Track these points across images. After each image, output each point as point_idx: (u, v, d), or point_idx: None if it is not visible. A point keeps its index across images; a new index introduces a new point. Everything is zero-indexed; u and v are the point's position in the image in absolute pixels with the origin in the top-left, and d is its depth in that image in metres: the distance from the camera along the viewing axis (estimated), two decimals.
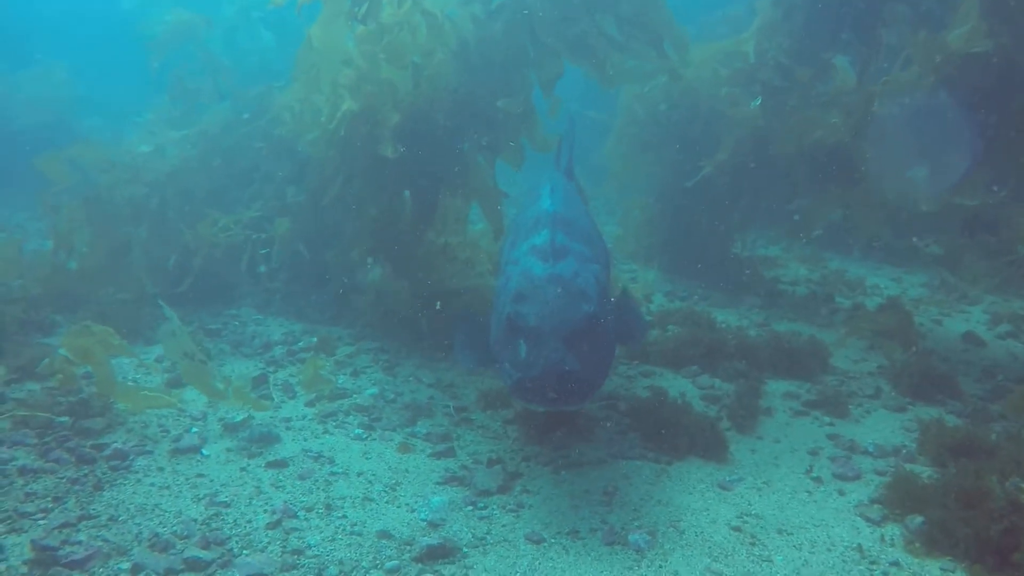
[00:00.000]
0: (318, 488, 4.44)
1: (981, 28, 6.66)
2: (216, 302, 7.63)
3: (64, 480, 4.32)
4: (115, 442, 4.75)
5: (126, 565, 3.63)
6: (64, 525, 3.89)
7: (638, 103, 9.97)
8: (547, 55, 6.39)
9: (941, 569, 3.86)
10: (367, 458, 4.85)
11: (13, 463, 4.40)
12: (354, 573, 3.70)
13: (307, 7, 6.64)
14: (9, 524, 3.88)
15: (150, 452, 4.72)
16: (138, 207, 7.72)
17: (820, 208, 7.95)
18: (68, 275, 7.37)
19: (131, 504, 4.15)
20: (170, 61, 9.45)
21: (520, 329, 4.16)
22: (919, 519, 4.15)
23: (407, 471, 4.71)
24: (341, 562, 3.76)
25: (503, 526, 4.16)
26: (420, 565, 3.78)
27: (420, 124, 6.46)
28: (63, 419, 4.94)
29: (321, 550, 3.85)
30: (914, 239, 9.09)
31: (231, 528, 3.98)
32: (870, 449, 5.20)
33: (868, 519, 4.32)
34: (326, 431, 5.21)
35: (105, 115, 15.15)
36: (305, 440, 5.04)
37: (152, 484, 4.37)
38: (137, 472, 4.49)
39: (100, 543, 3.78)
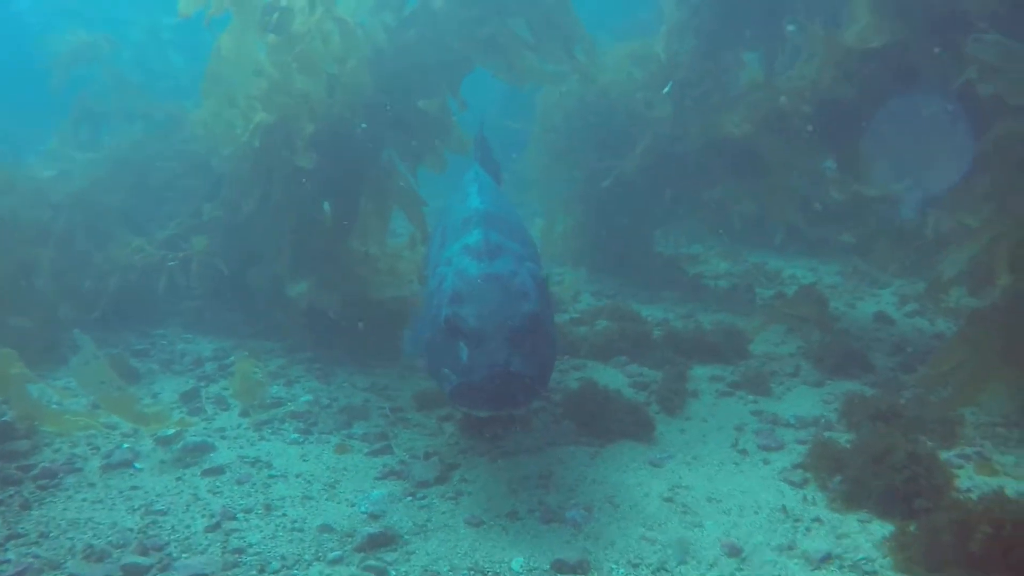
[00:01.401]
0: (256, 491, 4.42)
1: (873, 24, 7.03)
2: (142, 322, 7.47)
3: None
4: (42, 462, 4.64)
5: None
6: None
7: (555, 110, 10.15)
8: (458, 58, 6.51)
9: (858, 521, 4.08)
10: (305, 460, 4.85)
11: None
12: (297, 566, 3.71)
13: (216, 22, 6.57)
14: None
15: (80, 469, 4.62)
16: (43, 230, 7.46)
17: (733, 200, 8.25)
18: None
19: (62, 520, 4.06)
20: (74, 83, 9.21)
21: (460, 331, 3.94)
22: (838, 478, 4.39)
23: (345, 470, 4.73)
24: (283, 557, 3.77)
25: (443, 513, 4.22)
26: (362, 554, 3.80)
27: (337, 133, 6.45)
28: None
29: (263, 547, 3.84)
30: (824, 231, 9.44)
31: (169, 534, 3.94)
32: (791, 421, 5.45)
33: (791, 483, 4.53)
34: (262, 438, 5.18)
35: (3, 143, 14.61)
36: (241, 448, 5.01)
37: (84, 499, 4.29)
38: (67, 489, 4.40)
39: (31, 559, 3.69)
